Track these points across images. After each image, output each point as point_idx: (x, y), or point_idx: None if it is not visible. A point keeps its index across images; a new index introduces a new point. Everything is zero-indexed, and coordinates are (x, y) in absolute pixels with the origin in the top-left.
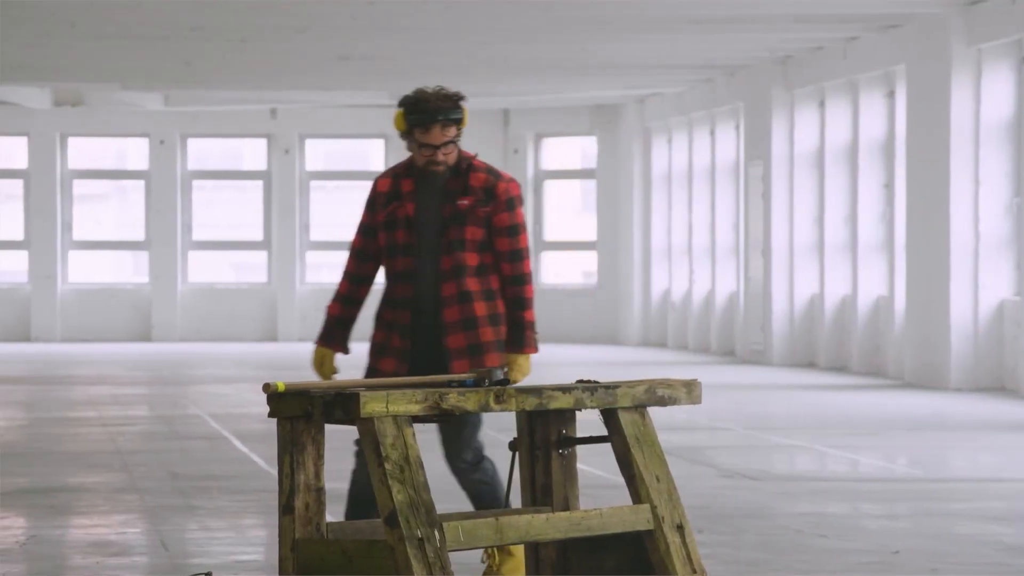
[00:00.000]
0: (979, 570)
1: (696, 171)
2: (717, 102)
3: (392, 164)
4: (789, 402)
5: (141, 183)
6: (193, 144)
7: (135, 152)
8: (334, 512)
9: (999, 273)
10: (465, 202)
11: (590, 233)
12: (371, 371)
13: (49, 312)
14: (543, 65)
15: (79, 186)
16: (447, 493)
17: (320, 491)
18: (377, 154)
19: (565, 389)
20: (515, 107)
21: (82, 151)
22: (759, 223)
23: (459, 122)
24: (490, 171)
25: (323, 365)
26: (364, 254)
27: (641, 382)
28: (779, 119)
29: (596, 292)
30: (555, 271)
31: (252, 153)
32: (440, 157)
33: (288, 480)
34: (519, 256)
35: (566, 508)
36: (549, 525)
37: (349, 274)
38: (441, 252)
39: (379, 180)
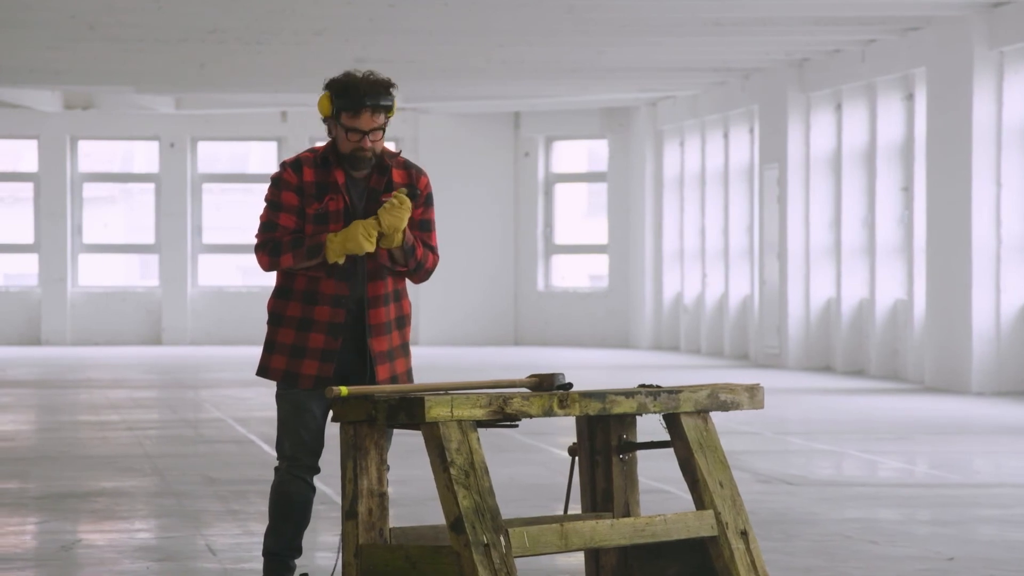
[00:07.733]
0: None
1: (709, 174)
2: (731, 105)
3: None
4: (809, 406)
5: (151, 186)
6: (203, 147)
7: (145, 155)
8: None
9: (1021, 276)
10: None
11: (601, 236)
12: (288, 376)
13: (59, 315)
14: (558, 68)
15: (89, 189)
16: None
17: (383, 496)
18: None
19: (628, 394)
20: (526, 110)
21: (92, 154)
22: (774, 226)
23: (389, 109)
24: (408, 165)
25: (363, 228)
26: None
27: (703, 386)
28: (795, 122)
29: (607, 295)
30: (566, 274)
31: (262, 156)
32: (368, 144)
33: (351, 485)
34: (430, 251)
35: (627, 514)
36: (614, 531)
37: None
38: None
39: (303, 168)
